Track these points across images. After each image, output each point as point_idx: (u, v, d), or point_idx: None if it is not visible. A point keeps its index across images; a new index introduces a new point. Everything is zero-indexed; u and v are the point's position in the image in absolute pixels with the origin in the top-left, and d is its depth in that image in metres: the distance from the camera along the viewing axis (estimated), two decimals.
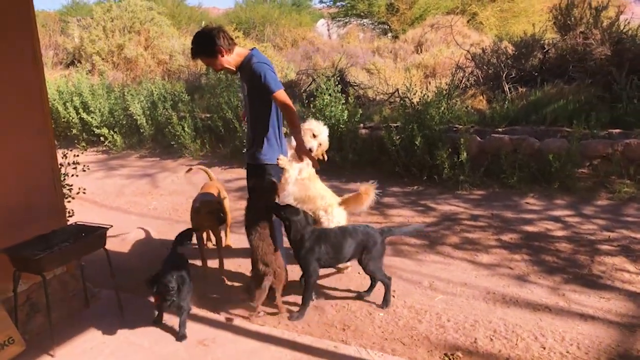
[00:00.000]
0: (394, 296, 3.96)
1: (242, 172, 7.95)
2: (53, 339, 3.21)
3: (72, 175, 4.60)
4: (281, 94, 3.62)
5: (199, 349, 3.05)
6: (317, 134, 4.23)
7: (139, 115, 10.03)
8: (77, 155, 4.73)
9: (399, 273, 4.37)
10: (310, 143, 4.15)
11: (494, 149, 6.79)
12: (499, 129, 7.22)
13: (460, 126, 7.10)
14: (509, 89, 8.47)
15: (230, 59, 3.74)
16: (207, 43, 3.65)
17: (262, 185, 3.77)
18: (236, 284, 4.28)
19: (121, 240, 5.43)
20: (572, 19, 8.98)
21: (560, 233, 5.08)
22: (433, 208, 6.06)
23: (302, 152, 3.65)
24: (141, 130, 10.24)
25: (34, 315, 3.47)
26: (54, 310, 3.41)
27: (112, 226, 3.58)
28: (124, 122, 10.51)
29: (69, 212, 4.29)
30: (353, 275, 4.36)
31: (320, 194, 4.32)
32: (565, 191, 6.20)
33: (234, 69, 3.79)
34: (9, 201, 3.39)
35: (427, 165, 6.93)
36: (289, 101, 3.65)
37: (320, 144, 4.26)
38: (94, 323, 3.56)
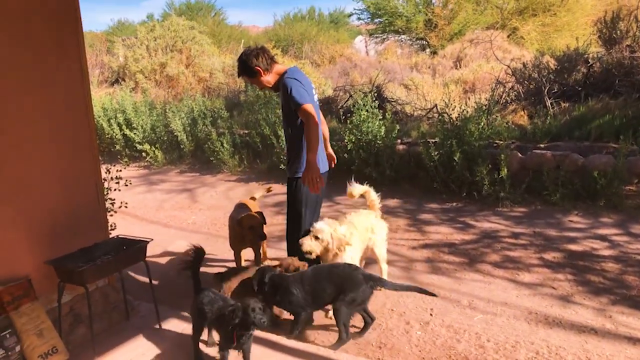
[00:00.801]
0: (431, 314, 3.90)
1: (278, 188, 8.03)
2: (94, 350, 3.29)
3: (115, 190, 4.74)
4: (305, 109, 3.63)
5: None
6: (318, 235, 3.79)
7: (179, 132, 10.30)
8: (120, 170, 4.88)
9: (436, 291, 4.30)
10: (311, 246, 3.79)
11: (535, 165, 6.65)
12: (541, 145, 7.07)
13: (501, 142, 6.99)
14: (551, 104, 8.30)
15: (270, 78, 3.90)
16: (247, 64, 3.86)
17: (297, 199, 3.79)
18: None
19: (161, 253, 5.55)
20: (618, 32, 8.76)
21: (606, 252, 4.91)
22: (472, 225, 5.96)
23: (310, 172, 3.59)
24: (181, 146, 10.50)
25: (77, 326, 3.57)
26: (95, 321, 3.50)
27: (152, 240, 3.66)
28: (165, 138, 10.81)
29: (111, 226, 4.42)
30: (390, 293, 4.32)
31: (366, 228, 4.17)
32: (612, 209, 6.00)
33: (272, 87, 3.92)
34: (55, 215, 3.51)
35: (466, 181, 6.85)
36: (312, 116, 3.63)
37: (328, 242, 3.80)
38: (134, 335, 3.63)
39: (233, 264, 4.64)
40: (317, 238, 3.75)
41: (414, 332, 3.67)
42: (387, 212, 6.66)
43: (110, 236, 3.97)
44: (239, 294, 3.62)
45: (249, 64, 3.83)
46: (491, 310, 3.94)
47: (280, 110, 4.01)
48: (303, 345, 3.45)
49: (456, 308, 4.02)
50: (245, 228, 4.25)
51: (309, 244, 3.74)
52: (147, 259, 3.69)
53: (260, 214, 4.42)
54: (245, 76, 3.93)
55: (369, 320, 3.55)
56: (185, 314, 3.89)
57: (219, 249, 5.53)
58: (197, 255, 3.42)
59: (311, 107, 3.67)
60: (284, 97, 3.78)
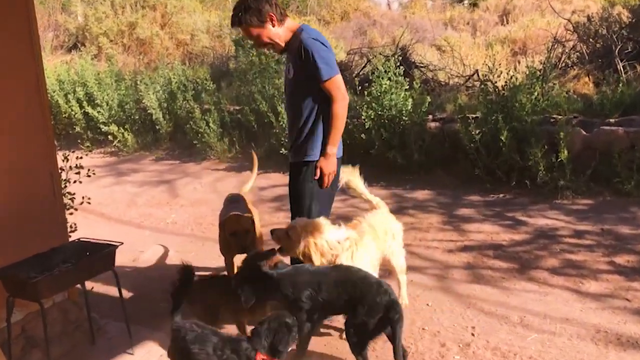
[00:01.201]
0: (473, 334, 3.90)
1: (279, 178, 8.06)
2: None
3: (75, 182, 4.76)
4: (334, 82, 3.66)
5: None
6: (289, 231, 3.75)
7: (154, 109, 10.33)
8: (81, 158, 4.89)
9: (479, 305, 4.31)
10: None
11: (604, 146, 6.61)
12: (611, 120, 7.02)
13: (560, 116, 6.95)
14: (624, 67, 8.21)
15: (281, 32, 3.77)
16: (257, 7, 3.66)
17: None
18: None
19: (133, 261, 5.59)
20: None
21: None
22: (524, 222, 5.95)
23: (328, 167, 3.75)
24: (157, 127, 10.54)
25: (30, 350, 3.61)
26: (53, 344, 3.53)
27: (122, 243, 3.68)
28: (137, 118, 10.85)
29: (71, 226, 4.45)
30: (420, 307, 4.32)
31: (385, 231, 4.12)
32: None
33: (282, 45, 3.81)
34: (0, 213, 3.54)
35: (516, 167, 6.82)
36: (343, 94, 3.70)
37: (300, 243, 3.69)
38: None
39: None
40: (287, 235, 3.66)
41: (452, 357, 3.68)
42: (416, 206, 6.67)
43: (70, 239, 4.01)
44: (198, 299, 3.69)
45: (262, 7, 3.65)
46: (548, 329, 3.94)
47: (286, 78, 3.95)
48: None
49: (504, 326, 4.01)
50: (227, 234, 4.19)
51: (278, 235, 3.68)
52: (116, 267, 3.72)
53: (250, 217, 4.27)
54: (250, 24, 3.69)
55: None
56: (164, 335, 3.92)
57: (207, 255, 5.56)
58: (185, 277, 3.25)
59: (340, 80, 3.70)
60: (300, 62, 3.68)
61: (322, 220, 3.68)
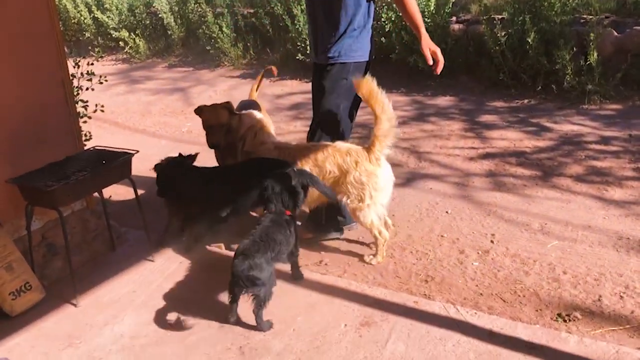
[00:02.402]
0: (492, 241, 3.96)
1: (295, 85, 8.00)
2: (75, 287, 3.45)
3: (87, 89, 4.75)
4: None
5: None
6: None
7: (165, 13, 10.17)
8: (92, 64, 4.87)
9: (500, 212, 4.35)
10: None
11: (636, 47, 6.46)
12: None
13: (590, 16, 6.75)
14: None
15: None
16: None
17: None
18: None
19: (150, 170, 5.65)
20: None
21: None
22: (549, 128, 5.90)
23: (433, 45, 3.76)
24: (169, 33, 10.41)
25: (52, 259, 3.74)
26: (74, 253, 3.65)
27: (138, 151, 3.72)
28: (148, 23, 10.71)
29: (85, 135, 4.48)
30: (439, 215, 4.37)
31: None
32: None
33: None
34: (13, 122, 3.57)
35: (542, 70, 6.72)
36: None
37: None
38: (122, 268, 3.79)
39: None
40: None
41: (470, 263, 3.75)
42: (437, 113, 6.62)
43: (85, 148, 4.05)
44: None
45: None
46: (569, 236, 3.98)
47: None
48: (331, 279, 3.56)
49: (524, 233, 4.06)
50: (203, 126, 3.96)
51: None
52: (133, 176, 3.77)
53: (228, 107, 3.98)
54: None
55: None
56: (182, 240, 4.03)
57: None
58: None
59: None
60: None
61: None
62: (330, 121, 3.87)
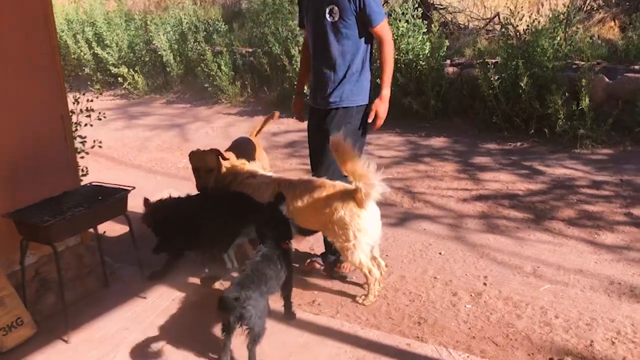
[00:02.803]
0: (485, 284, 3.96)
1: (292, 124, 8.04)
2: (67, 323, 3.43)
3: (86, 125, 4.79)
4: (385, 25, 3.79)
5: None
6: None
7: (164, 51, 10.28)
8: (91, 101, 4.91)
9: (492, 254, 4.36)
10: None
11: (627, 94, 6.54)
12: (636, 67, 6.91)
13: (582, 62, 6.86)
14: None
15: None
16: None
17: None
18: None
19: (144, 206, 5.66)
20: None
21: None
22: (541, 171, 5.94)
23: (385, 107, 3.86)
24: (168, 70, 10.51)
25: (45, 294, 3.72)
26: (67, 288, 3.63)
27: (134, 188, 3.73)
28: (147, 59, 10.81)
29: (82, 170, 4.50)
30: (432, 256, 4.38)
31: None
32: None
33: None
34: (11, 156, 3.59)
35: (535, 114, 6.79)
36: (390, 35, 3.85)
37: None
38: (115, 305, 3.77)
39: None
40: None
41: (463, 306, 3.74)
42: (431, 154, 6.67)
43: (82, 183, 4.07)
44: None
45: None
46: (562, 279, 3.98)
47: (320, 21, 3.82)
48: (324, 319, 3.55)
49: (517, 276, 4.06)
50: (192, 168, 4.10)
51: None
52: (128, 212, 3.78)
53: (215, 154, 4.07)
54: None
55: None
56: (179, 277, 4.02)
57: None
58: None
59: (387, 23, 3.83)
60: (350, 4, 3.70)
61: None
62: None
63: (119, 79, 10.74)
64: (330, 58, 3.84)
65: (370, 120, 3.88)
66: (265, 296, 3.10)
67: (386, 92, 3.86)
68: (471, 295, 3.85)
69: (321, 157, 3.97)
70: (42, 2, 3.74)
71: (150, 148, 7.77)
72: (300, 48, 8.27)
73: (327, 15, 3.76)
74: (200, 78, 9.86)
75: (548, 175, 5.85)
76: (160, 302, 3.76)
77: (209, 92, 9.73)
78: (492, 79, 6.85)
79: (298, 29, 4.14)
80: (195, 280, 4.04)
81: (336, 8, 3.72)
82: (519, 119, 6.90)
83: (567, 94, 6.49)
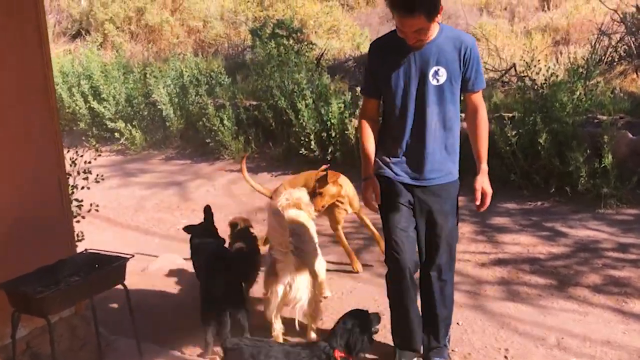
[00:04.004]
0: (506, 357, 3.95)
1: None
2: None
3: (82, 188, 4.87)
4: (481, 95, 3.66)
5: None
6: None
7: (164, 104, 10.44)
8: (89, 162, 5.01)
9: (514, 324, 4.35)
10: None
11: None
12: None
13: (604, 117, 6.94)
14: None
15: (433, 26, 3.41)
16: None
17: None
18: None
19: (142, 271, 5.71)
20: None
21: None
22: (563, 233, 5.97)
23: (488, 185, 3.63)
24: (167, 124, 10.65)
25: None
26: None
27: (133, 256, 3.78)
28: (145, 114, 10.98)
29: (77, 235, 4.56)
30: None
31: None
32: None
33: (418, 43, 3.41)
34: (5, 223, 3.66)
35: (555, 172, 6.84)
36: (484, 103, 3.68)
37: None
38: None
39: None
40: None
41: None
42: None
43: (78, 250, 4.12)
44: None
45: None
46: (588, 352, 3.97)
47: (421, 82, 3.49)
48: None
49: (540, 349, 4.06)
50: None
51: None
52: (126, 280, 3.82)
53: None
54: (426, 13, 3.21)
55: None
56: (177, 353, 4.02)
57: None
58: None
59: None
60: (458, 65, 3.47)
61: None
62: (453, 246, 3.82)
63: (116, 134, 10.87)
64: (428, 125, 3.55)
65: (478, 202, 3.61)
66: None
67: (485, 166, 3.63)
68: None
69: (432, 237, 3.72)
70: (41, 65, 3.86)
71: (147, 208, 7.84)
72: (306, 102, 8.43)
73: (431, 78, 3.46)
74: (202, 133, 9.98)
75: (571, 237, 5.86)
76: None
77: (211, 147, 9.84)
78: (509, 134, 6.91)
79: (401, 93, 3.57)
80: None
81: (443, 70, 3.45)
82: (538, 177, 6.95)
83: (588, 150, 6.52)
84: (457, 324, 4.40)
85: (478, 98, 3.62)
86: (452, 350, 4.07)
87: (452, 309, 3.89)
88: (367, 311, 3.44)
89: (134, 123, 10.86)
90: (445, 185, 3.67)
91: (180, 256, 5.93)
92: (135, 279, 5.37)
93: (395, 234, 3.61)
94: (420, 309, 3.81)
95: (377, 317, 3.47)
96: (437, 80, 3.45)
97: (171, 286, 5.42)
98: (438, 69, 3.43)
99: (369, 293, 4.90)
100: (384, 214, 3.70)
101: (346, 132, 8.23)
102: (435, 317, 3.79)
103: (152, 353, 4.01)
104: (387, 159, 3.67)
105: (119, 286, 3.79)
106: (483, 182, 3.57)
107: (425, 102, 3.49)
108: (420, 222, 3.67)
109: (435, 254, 3.69)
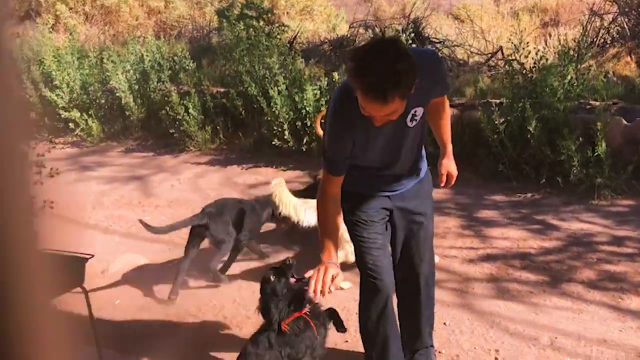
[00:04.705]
0: (496, 358, 3.98)
1: (270, 173, 8.11)
2: None
3: (35, 183, 4.82)
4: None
5: None
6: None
7: (123, 92, 10.35)
8: (42, 155, 4.96)
9: (504, 324, 4.39)
10: None
11: None
12: None
13: (597, 103, 7.00)
14: None
15: None
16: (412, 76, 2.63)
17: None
18: None
19: (101, 272, 5.66)
20: None
21: None
22: (555, 226, 6.02)
23: (454, 166, 3.77)
24: (127, 113, 10.56)
25: None
26: None
27: (92, 256, 3.75)
28: (103, 102, 10.88)
29: None
30: (436, 327, 4.40)
31: None
32: None
33: None
34: None
35: (546, 161, 6.90)
36: None
37: None
38: None
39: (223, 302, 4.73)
40: None
41: None
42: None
43: None
44: None
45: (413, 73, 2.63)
46: (583, 352, 4.01)
47: (397, 129, 3.09)
48: None
49: (532, 349, 4.09)
50: None
51: None
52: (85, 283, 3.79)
53: None
54: (402, 95, 2.63)
55: None
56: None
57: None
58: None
59: None
60: (427, 95, 3.04)
61: None
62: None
63: (70, 124, 10.78)
64: (404, 166, 3.37)
65: (442, 185, 3.77)
66: None
67: (451, 147, 3.75)
68: None
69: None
70: None
71: (106, 204, 7.77)
72: (279, 89, 8.40)
73: (409, 122, 3.06)
74: (165, 122, 9.92)
75: (563, 230, 5.92)
76: None
77: (175, 138, 9.79)
78: (496, 122, 6.96)
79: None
80: None
81: (420, 108, 3.05)
82: (528, 167, 7.01)
83: (581, 138, 6.58)
84: (444, 324, 4.44)
85: (446, 102, 3.55)
86: (439, 352, 4.09)
87: (434, 305, 3.91)
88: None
89: (90, 112, 10.76)
90: (418, 183, 3.55)
91: (142, 256, 5.91)
92: (94, 281, 5.35)
93: (372, 254, 3.41)
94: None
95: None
96: (415, 121, 3.07)
97: (134, 288, 5.38)
98: (416, 110, 3.02)
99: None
100: (356, 231, 3.47)
101: (322, 120, 8.21)
102: (419, 321, 3.78)
103: None
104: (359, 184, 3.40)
105: (78, 289, 3.77)
106: (449, 165, 3.73)
107: (401, 145, 3.21)
108: (400, 229, 3.57)
109: (423, 257, 3.64)
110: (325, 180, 3.15)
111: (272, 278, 3.33)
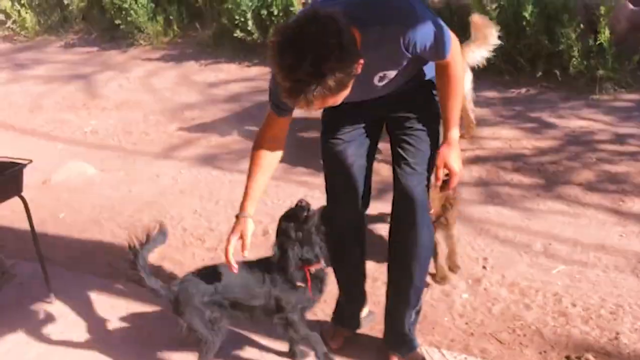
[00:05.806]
0: (484, 267, 4.03)
1: (234, 71, 8.00)
2: None
3: None
4: (455, 50, 2.93)
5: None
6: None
7: None
8: None
9: (493, 231, 4.44)
10: None
11: None
12: None
13: None
14: None
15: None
16: (347, 47, 2.39)
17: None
18: None
19: (43, 183, 5.61)
20: None
21: None
22: (552, 124, 6.03)
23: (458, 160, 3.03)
24: (65, 2, 10.28)
25: None
26: None
27: (31, 161, 3.68)
28: None
29: None
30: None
31: None
32: None
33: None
34: None
35: (543, 52, 6.85)
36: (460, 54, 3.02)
37: None
38: (11, 312, 3.75)
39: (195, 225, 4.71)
40: None
41: (458, 296, 3.82)
42: None
43: None
44: None
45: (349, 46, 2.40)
46: (579, 259, 4.07)
47: (369, 84, 2.89)
48: None
49: (524, 257, 4.14)
50: None
51: None
52: (24, 193, 3.74)
53: None
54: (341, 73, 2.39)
55: None
56: (90, 277, 4.00)
57: (140, 175, 5.61)
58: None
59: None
60: (399, 59, 2.76)
61: None
62: None
63: (1, 15, 10.50)
64: (390, 92, 3.04)
65: (439, 182, 3.06)
66: None
67: (454, 134, 3.00)
68: (468, 282, 3.94)
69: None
70: None
71: (46, 107, 7.64)
72: None
73: (377, 82, 2.90)
74: (110, 13, 9.73)
75: (560, 128, 5.93)
76: (70, 305, 3.76)
77: (122, 31, 9.60)
78: (488, 7, 6.87)
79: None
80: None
81: (392, 72, 2.87)
82: (523, 59, 6.96)
83: (581, 25, 6.51)
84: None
85: (449, 65, 2.96)
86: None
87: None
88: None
89: (22, 1, 10.46)
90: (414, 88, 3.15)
91: (90, 165, 5.84)
92: (35, 192, 5.31)
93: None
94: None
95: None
96: (387, 79, 2.89)
97: (80, 200, 5.35)
98: (385, 73, 2.86)
99: None
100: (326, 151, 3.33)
101: (291, 8, 8.02)
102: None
103: (60, 278, 3.98)
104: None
105: (16, 199, 3.72)
106: (448, 156, 2.99)
107: (378, 91, 2.99)
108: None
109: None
110: (268, 118, 2.98)
111: (305, 213, 3.15)
